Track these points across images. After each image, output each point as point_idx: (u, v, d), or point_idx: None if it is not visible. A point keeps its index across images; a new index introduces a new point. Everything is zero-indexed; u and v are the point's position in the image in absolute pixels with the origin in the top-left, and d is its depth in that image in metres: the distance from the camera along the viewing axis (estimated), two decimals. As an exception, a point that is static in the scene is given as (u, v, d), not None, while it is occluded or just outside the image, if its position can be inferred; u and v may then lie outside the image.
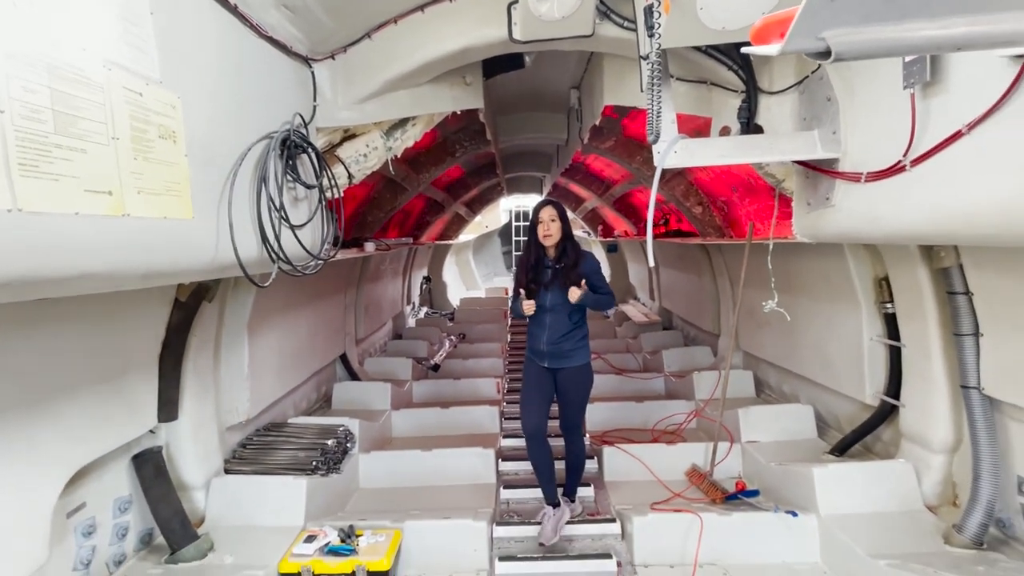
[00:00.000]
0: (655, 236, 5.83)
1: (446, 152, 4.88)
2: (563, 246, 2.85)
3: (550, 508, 2.95)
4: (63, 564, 2.12)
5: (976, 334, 2.33)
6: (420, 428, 4.53)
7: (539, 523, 2.93)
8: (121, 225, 1.27)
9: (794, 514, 2.66)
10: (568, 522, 2.98)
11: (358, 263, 5.56)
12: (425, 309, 9.80)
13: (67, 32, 1.17)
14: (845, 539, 2.46)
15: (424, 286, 9.97)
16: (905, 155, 1.73)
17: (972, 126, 1.49)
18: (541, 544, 2.79)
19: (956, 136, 1.54)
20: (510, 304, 3.08)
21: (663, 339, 6.48)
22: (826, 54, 0.97)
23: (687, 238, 5.14)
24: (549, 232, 2.81)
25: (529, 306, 2.86)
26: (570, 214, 11.38)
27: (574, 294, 2.73)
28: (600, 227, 9.37)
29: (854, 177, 2.00)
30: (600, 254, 11.97)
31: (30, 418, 1.84)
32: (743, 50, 1.13)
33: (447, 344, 7.27)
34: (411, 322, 8.61)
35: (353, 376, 5.22)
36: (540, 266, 2.91)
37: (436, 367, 6.09)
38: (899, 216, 1.83)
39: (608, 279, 12.31)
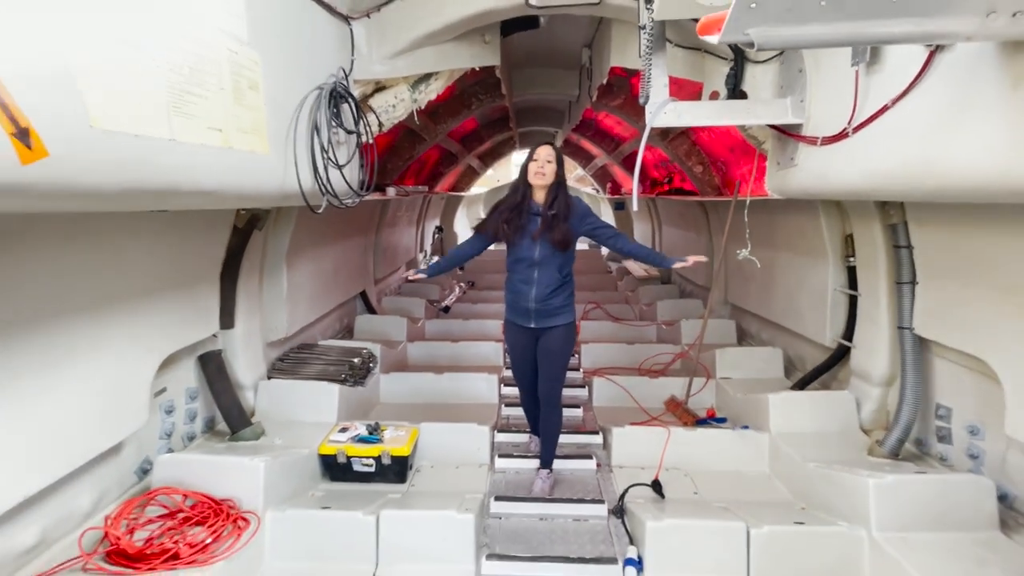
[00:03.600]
0: (659, 193, 6.15)
1: (463, 104, 5.16)
2: (555, 192, 2.62)
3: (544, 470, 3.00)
4: (152, 433, 2.67)
5: (913, 282, 2.73)
6: (432, 358, 5.05)
7: (529, 433, 3.43)
8: (229, 155, 1.68)
9: (746, 427, 3.15)
10: (561, 433, 3.41)
11: (377, 209, 5.96)
12: (437, 257, 10.25)
13: (192, 4, 1.55)
14: (788, 450, 2.96)
15: (436, 235, 10.37)
16: (849, 123, 2.08)
17: (895, 101, 1.83)
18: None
19: (883, 110, 1.88)
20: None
21: (660, 292, 6.89)
22: (752, 44, 1.34)
23: (686, 196, 5.46)
24: (543, 171, 2.55)
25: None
26: (580, 171, 11.57)
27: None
28: (609, 185, 9.62)
29: (812, 140, 2.35)
30: (608, 212, 12.23)
31: (131, 309, 2.32)
32: (699, 36, 1.49)
33: (457, 290, 7.74)
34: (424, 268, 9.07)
35: (372, 311, 5.73)
36: (524, 212, 2.63)
37: (447, 308, 6.58)
38: (842, 175, 2.19)
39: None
